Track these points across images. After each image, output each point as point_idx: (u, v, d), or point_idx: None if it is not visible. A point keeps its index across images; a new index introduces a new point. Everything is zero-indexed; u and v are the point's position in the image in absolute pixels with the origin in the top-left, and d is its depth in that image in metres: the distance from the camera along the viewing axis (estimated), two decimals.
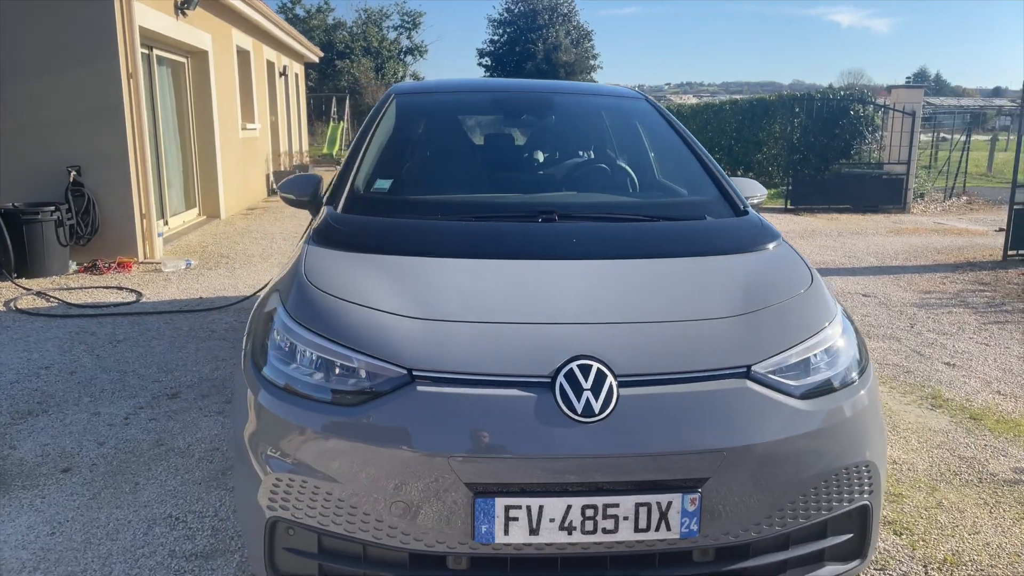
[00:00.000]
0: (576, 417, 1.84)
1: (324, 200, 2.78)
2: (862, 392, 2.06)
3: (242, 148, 11.55)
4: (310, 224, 2.66)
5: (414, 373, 1.90)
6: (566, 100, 3.55)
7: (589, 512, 1.84)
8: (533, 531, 1.84)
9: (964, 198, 13.35)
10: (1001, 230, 10.22)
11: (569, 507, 1.83)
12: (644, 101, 3.54)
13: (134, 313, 5.59)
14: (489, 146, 3.37)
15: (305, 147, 18.44)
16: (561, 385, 1.87)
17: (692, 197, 2.89)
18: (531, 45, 44.71)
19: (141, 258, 7.25)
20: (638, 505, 1.84)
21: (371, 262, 2.31)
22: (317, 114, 26.84)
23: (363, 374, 1.94)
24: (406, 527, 1.86)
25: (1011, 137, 30.88)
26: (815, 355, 2.06)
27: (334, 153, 22.21)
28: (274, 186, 13.57)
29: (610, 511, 1.84)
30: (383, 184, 2.90)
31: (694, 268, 2.38)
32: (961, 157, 13.72)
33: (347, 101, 27.56)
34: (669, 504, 1.85)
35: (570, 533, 1.84)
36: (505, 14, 45.39)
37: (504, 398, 1.87)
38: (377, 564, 1.92)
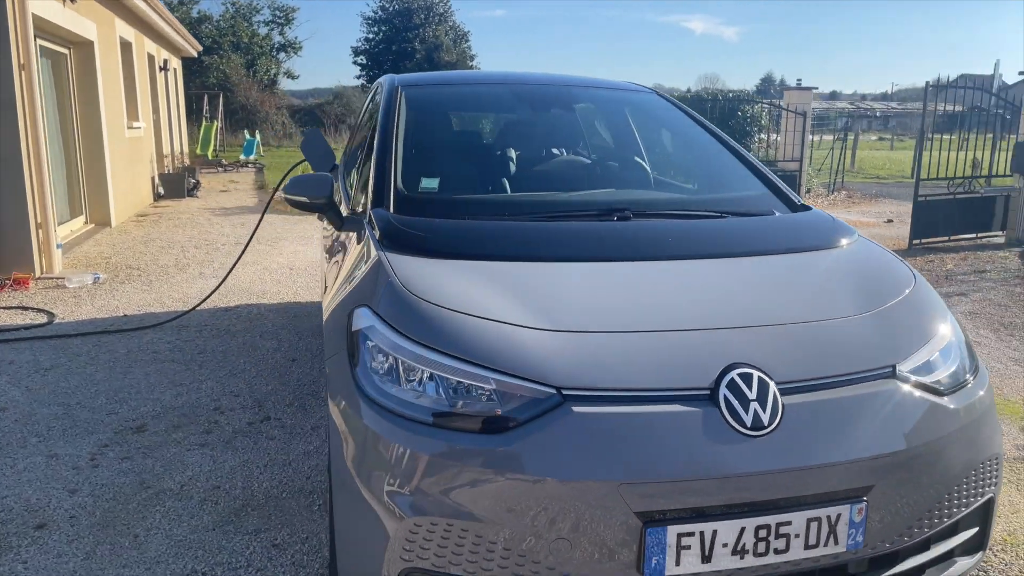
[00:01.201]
0: (746, 431, 1.71)
1: (369, 203, 2.49)
2: (983, 388, 2.06)
3: (129, 149, 10.56)
4: (369, 230, 2.35)
5: (564, 392, 1.71)
6: (584, 94, 3.41)
7: (762, 533, 1.71)
8: (705, 559, 1.69)
9: (844, 192, 14.35)
10: (890, 221, 11.06)
11: (743, 529, 1.70)
12: (656, 95, 3.46)
13: (53, 336, 4.92)
14: (522, 141, 3.18)
15: (186, 148, 17.20)
16: (725, 397, 1.73)
17: (751, 192, 2.83)
18: (408, 44, 44.19)
19: (39, 273, 6.42)
20: (809, 520, 1.73)
21: (469, 269, 2.07)
22: (187, 113, 25.16)
23: (501, 396, 1.72)
24: (566, 567, 1.67)
25: (859, 137, 33.51)
26: (939, 351, 2.04)
27: (209, 154, 20.84)
28: (160, 190, 12.51)
29: (783, 529, 1.72)
30: (430, 183, 2.65)
31: (799, 265, 2.30)
32: (841, 155, 14.74)
33: (220, 99, 26.01)
34: (838, 516, 1.75)
35: (742, 557, 1.71)
36: (379, 12, 44.62)
37: (668, 415, 1.71)
38: None
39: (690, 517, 1.67)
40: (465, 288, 1.97)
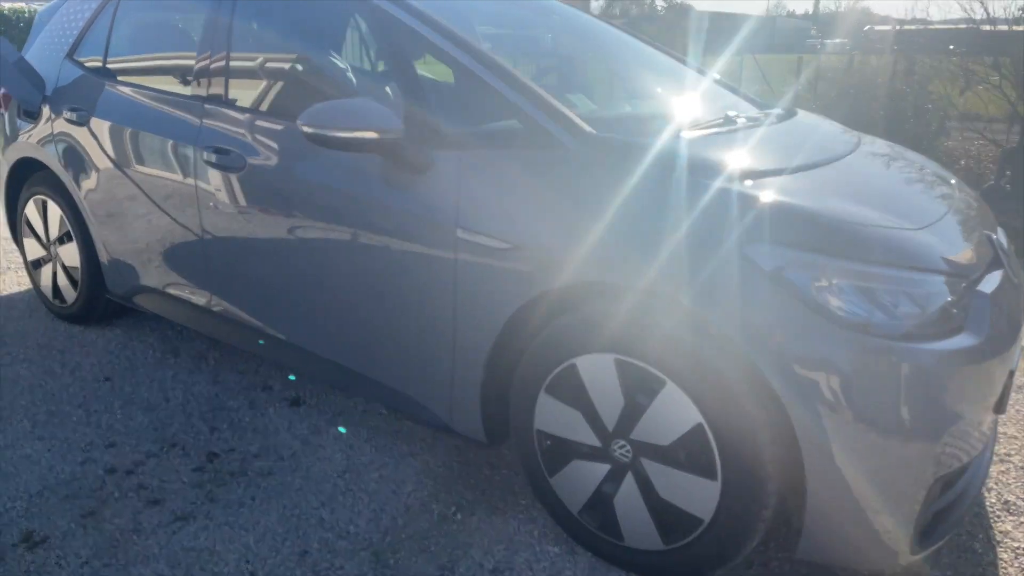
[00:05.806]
0: None
1: (571, 131, 2.05)
2: None
3: None
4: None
5: (946, 280, 1.84)
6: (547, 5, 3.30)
7: None
8: None
9: None
10: None
11: None
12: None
13: None
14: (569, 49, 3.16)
15: None
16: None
17: (737, 95, 3.14)
18: None
19: None
20: None
21: (792, 184, 1.97)
22: None
23: (947, 294, 1.78)
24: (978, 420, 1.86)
25: None
26: None
27: None
28: None
29: None
30: (579, 100, 2.62)
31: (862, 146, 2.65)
32: None
33: None
34: None
35: None
36: None
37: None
38: None
39: None
40: (824, 201, 1.88)
